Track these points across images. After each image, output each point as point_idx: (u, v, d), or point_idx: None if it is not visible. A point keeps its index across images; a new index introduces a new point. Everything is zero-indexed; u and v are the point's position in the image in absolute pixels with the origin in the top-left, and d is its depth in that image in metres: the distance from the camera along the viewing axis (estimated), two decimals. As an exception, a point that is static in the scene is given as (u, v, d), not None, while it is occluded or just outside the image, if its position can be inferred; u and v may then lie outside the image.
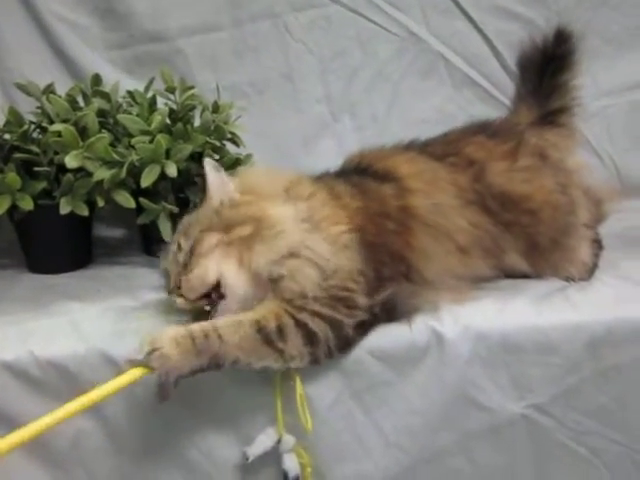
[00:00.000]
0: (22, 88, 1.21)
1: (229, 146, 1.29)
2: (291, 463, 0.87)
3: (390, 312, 0.89)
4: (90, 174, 1.10)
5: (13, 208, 1.12)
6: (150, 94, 1.26)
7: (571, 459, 0.93)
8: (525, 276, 1.04)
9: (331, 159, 1.12)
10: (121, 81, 1.30)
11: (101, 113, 1.19)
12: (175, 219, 1.12)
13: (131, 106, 1.25)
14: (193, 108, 1.25)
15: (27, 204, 1.11)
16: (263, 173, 1.04)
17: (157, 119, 1.15)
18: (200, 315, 0.89)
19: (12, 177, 1.09)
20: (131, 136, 1.14)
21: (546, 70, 1.17)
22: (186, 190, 1.20)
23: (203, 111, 1.24)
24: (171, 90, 1.25)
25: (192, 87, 1.27)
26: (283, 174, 1.00)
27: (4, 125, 1.18)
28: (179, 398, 0.80)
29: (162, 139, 1.11)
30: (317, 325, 0.83)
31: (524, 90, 1.21)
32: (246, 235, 0.88)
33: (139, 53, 1.48)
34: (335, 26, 1.50)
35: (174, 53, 1.47)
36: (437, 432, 0.90)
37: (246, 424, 0.89)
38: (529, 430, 0.91)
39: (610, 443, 0.92)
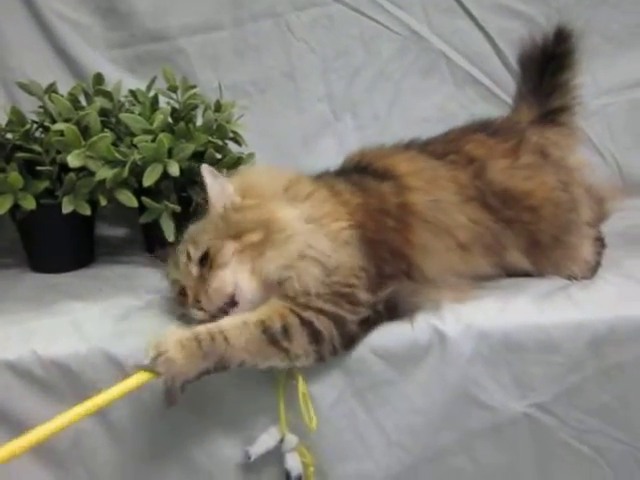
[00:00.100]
0: (24, 87, 1.22)
1: (231, 145, 1.29)
2: (293, 462, 0.87)
3: (392, 310, 0.89)
4: (92, 173, 1.10)
5: (15, 207, 1.12)
6: (152, 93, 1.26)
7: (574, 458, 0.93)
8: (527, 275, 1.04)
9: (332, 158, 1.12)
10: (123, 80, 1.30)
11: (103, 112, 1.19)
12: (178, 218, 1.13)
13: (133, 105, 1.25)
14: (195, 107, 1.25)
15: (29, 203, 1.11)
16: (262, 172, 1.04)
17: (159, 118, 1.15)
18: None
19: (14, 176, 1.09)
20: (133, 135, 1.14)
21: (546, 69, 1.17)
22: (188, 189, 1.20)
23: (205, 110, 1.24)
24: (173, 89, 1.25)
25: (194, 86, 1.27)
26: (283, 173, 1.00)
27: (6, 124, 1.18)
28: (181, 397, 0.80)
29: (164, 138, 1.11)
30: (322, 323, 0.83)
31: (525, 89, 1.21)
32: (257, 241, 0.88)
33: (141, 52, 1.48)
34: (337, 25, 1.50)
35: (176, 52, 1.48)
36: (439, 431, 0.90)
37: (248, 424, 0.89)
38: (531, 429, 0.91)
39: (613, 442, 0.92)
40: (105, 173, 1.10)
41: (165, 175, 1.12)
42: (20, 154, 1.13)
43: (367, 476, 0.91)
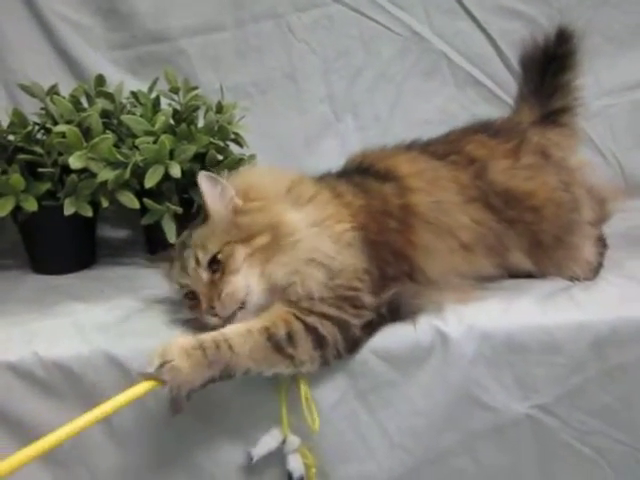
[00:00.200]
0: (26, 89, 1.22)
1: (233, 146, 1.29)
2: (296, 464, 0.87)
3: (394, 312, 0.89)
4: (94, 175, 1.10)
5: (17, 209, 1.12)
6: (154, 95, 1.26)
7: (576, 459, 0.93)
8: (529, 276, 1.04)
9: (334, 159, 1.12)
10: (125, 82, 1.30)
11: (105, 114, 1.20)
12: (179, 220, 1.13)
13: (135, 107, 1.25)
14: (197, 108, 1.26)
15: (31, 205, 1.11)
16: (264, 173, 1.03)
17: (161, 120, 1.15)
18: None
19: (16, 178, 1.09)
20: (135, 137, 1.14)
21: (548, 70, 1.17)
22: (190, 191, 1.20)
23: (207, 111, 1.24)
24: (175, 91, 1.25)
25: (196, 87, 1.27)
26: (285, 174, 1.00)
27: (8, 126, 1.18)
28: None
29: (166, 140, 1.11)
30: (326, 328, 0.83)
31: (526, 90, 1.21)
32: (265, 244, 0.88)
33: (142, 53, 1.48)
34: (338, 26, 1.50)
35: (177, 53, 1.48)
36: (441, 432, 0.90)
37: (250, 425, 0.89)
38: (534, 430, 0.91)
39: (615, 443, 0.92)
40: (107, 175, 1.10)
41: (167, 177, 1.12)
42: (22, 156, 1.14)
43: (369, 477, 0.91)
